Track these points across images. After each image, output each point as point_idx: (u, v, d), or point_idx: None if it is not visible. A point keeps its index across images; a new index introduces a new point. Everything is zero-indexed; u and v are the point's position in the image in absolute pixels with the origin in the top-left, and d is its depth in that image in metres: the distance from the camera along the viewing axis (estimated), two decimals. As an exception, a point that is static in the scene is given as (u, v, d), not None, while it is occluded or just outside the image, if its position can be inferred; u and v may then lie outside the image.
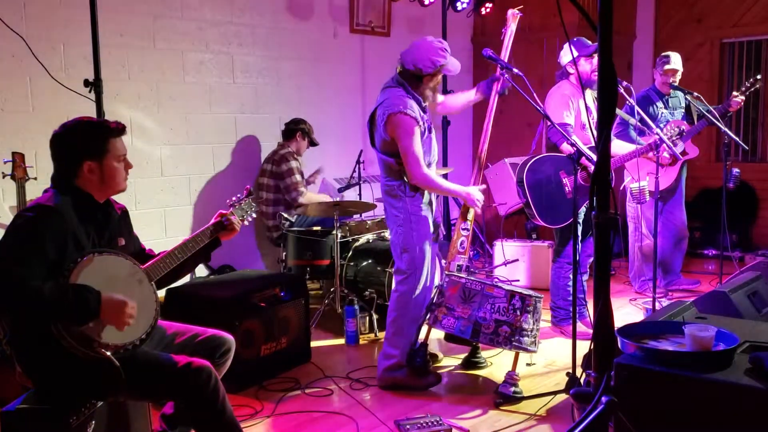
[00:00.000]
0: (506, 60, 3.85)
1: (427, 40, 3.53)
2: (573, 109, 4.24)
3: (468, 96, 3.92)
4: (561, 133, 3.89)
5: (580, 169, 4.01)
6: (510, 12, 3.99)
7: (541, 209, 4.03)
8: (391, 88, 3.55)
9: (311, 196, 5.15)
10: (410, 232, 3.53)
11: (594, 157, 4.07)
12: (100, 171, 2.45)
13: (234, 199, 2.99)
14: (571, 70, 4.31)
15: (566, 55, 4.38)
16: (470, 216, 3.82)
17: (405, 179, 3.53)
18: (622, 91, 4.03)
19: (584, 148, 3.82)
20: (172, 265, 2.63)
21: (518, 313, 3.40)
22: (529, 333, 3.42)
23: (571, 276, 4.39)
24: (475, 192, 3.72)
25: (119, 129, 2.52)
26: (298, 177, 5.08)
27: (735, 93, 5.20)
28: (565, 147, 4.17)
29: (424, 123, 3.51)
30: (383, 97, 3.52)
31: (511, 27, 3.98)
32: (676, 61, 5.22)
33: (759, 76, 5.26)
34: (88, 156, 2.43)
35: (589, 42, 4.27)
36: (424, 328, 3.64)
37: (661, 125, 4.80)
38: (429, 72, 3.50)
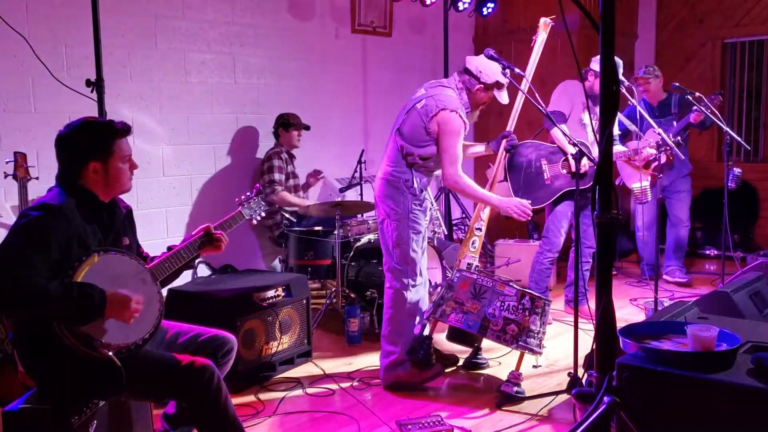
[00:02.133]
0: (532, 71, 3.89)
1: (496, 60, 3.61)
2: (572, 105, 4.54)
3: (476, 149, 3.97)
4: (550, 120, 4.18)
5: (563, 160, 4.54)
6: (542, 20, 4.00)
7: (517, 189, 4.38)
8: (444, 87, 3.58)
9: (284, 195, 5.09)
10: (405, 229, 3.53)
11: (572, 151, 4.32)
12: (104, 172, 2.45)
13: (243, 197, 3.00)
14: (590, 79, 4.61)
15: (597, 64, 4.49)
16: (485, 216, 3.82)
17: (416, 176, 3.52)
18: (624, 91, 4.05)
19: (564, 141, 4.39)
20: (177, 264, 2.64)
21: (527, 313, 3.40)
22: (535, 335, 3.42)
23: (546, 263, 4.76)
24: (505, 200, 3.65)
25: (125, 130, 2.51)
26: (276, 176, 5.08)
27: (696, 107, 5.09)
28: (553, 132, 4.57)
29: (466, 130, 3.55)
30: (435, 91, 3.55)
31: (542, 35, 3.99)
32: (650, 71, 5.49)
33: (722, 91, 5.23)
34: (93, 157, 2.43)
35: (621, 69, 4.46)
36: (430, 322, 3.63)
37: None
38: (486, 82, 3.55)
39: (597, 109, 4.51)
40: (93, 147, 2.44)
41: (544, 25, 4.00)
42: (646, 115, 4.53)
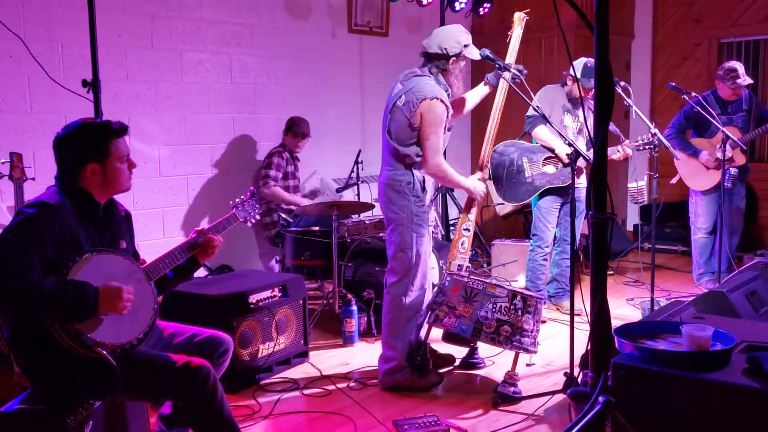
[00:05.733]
0: (512, 63, 3.88)
1: (448, 26, 3.57)
2: (551, 109, 4.62)
3: (476, 93, 3.89)
4: (530, 124, 4.64)
5: (546, 157, 4.66)
6: (516, 15, 4.00)
7: (498, 186, 4.54)
8: (419, 76, 3.49)
9: (276, 191, 5.13)
10: (409, 233, 3.49)
11: (567, 151, 4.32)
12: (102, 173, 2.45)
13: (237, 200, 2.99)
14: (569, 83, 4.71)
15: (576, 68, 4.57)
16: (472, 216, 3.82)
17: (416, 176, 3.48)
18: (619, 90, 4.05)
19: (549, 139, 4.57)
20: (172, 265, 2.64)
21: (519, 313, 3.40)
22: (529, 333, 3.42)
23: (538, 259, 4.81)
24: (474, 182, 3.72)
25: (122, 129, 2.51)
26: (272, 171, 5.14)
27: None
28: (535, 134, 4.70)
29: (449, 116, 3.50)
30: (411, 84, 3.45)
31: (517, 30, 3.99)
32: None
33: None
34: (90, 158, 2.43)
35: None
36: (425, 327, 3.64)
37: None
38: (455, 52, 3.48)
39: (578, 112, 4.70)
40: (90, 149, 2.44)
41: (519, 19, 4.01)
42: (642, 115, 4.51)
